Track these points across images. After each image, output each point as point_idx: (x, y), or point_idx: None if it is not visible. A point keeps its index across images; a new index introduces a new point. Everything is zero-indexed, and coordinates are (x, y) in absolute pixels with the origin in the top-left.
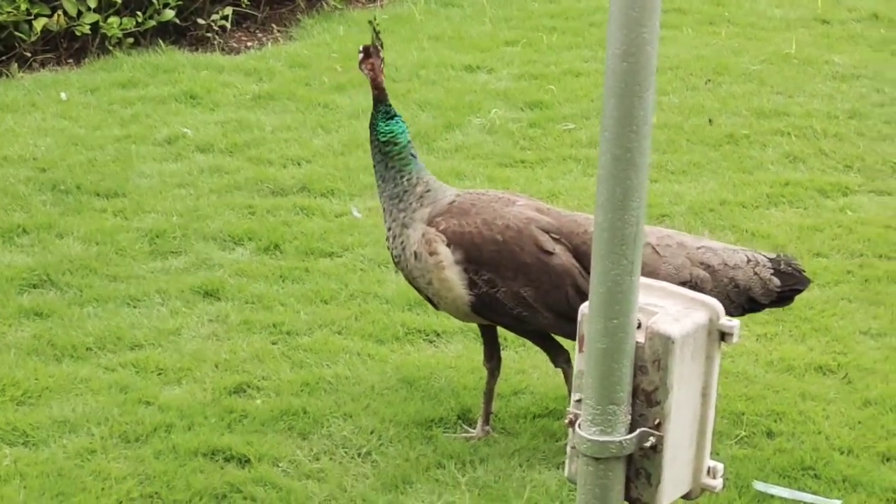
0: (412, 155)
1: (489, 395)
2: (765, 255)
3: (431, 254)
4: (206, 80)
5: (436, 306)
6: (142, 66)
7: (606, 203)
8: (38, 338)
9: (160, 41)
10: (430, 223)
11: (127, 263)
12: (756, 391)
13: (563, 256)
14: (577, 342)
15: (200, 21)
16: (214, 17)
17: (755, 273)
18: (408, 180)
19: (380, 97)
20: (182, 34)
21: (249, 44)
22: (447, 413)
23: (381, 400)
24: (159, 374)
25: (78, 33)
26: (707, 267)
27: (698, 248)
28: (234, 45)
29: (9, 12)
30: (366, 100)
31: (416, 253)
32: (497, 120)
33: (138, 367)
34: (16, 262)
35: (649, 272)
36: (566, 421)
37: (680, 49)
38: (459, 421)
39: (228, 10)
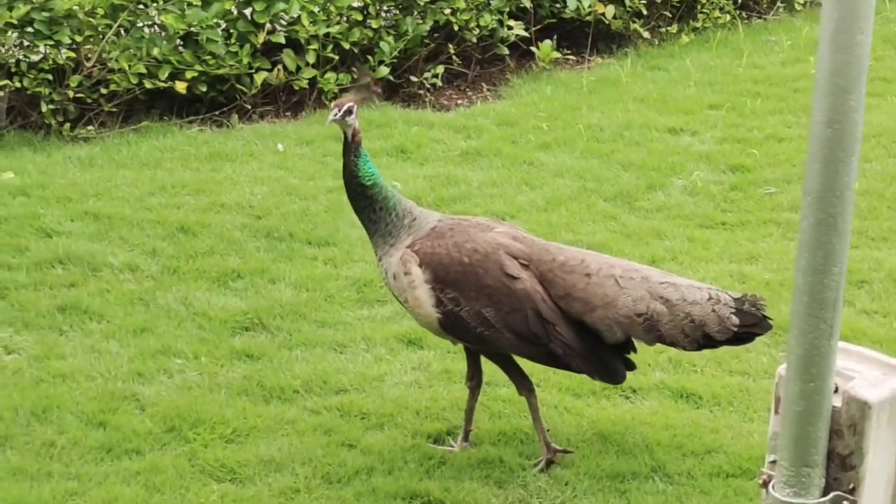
0: (390, 190)
1: (469, 413)
2: (730, 295)
3: (406, 273)
4: (417, 135)
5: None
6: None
7: (807, 266)
8: (249, 379)
9: (377, 96)
10: (409, 245)
11: (335, 310)
12: None
13: (527, 282)
14: (773, 403)
15: (413, 78)
16: (427, 74)
17: (713, 310)
18: (396, 216)
19: (357, 145)
20: (395, 91)
21: (459, 101)
22: (641, 468)
23: (576, 453)
24: (362, 418)
25: (296, 87)
26: (665, 301)
27: (661, 282)
28: (445, 102)
29: (231, 65)
30: (570, 158)
31: (394, 274)
32: (699, 182)
33: (342, 411)
34: (230, 305)
35: (608, 303)
36: (759, 481)
37: (883, 117)
38: (653, 474)
39: (440, 69)
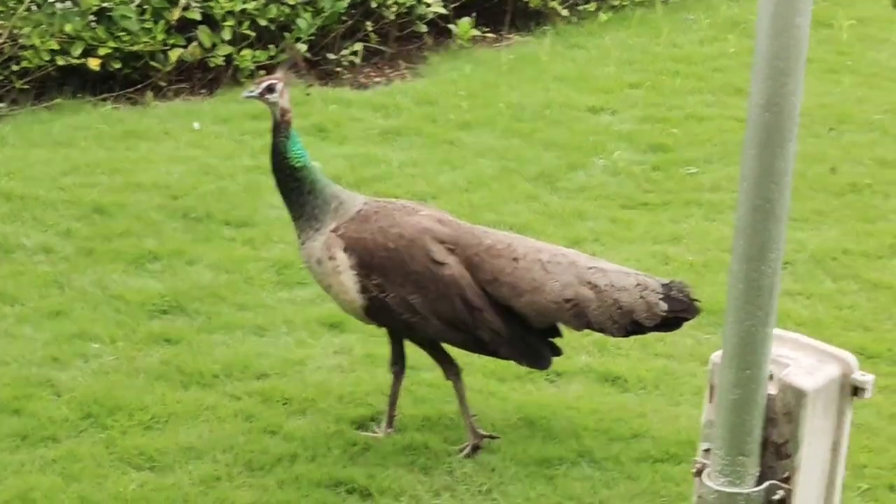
0: (317, 172)
1: (393, 398)
2: (657, 281)
3: (330, 258)
4: (335, 113)
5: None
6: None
7: (743, 254)
8: (167, 363)
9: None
10: (333, 230)
11: (255, 292)
12: (879, 443)
13: (454, 267)
14: (707, 391)
15: (331, 56)
16: (344, 52)
17: (641, 297)
18: (323, 200)
19: (286, 125)
20: (313, 68)
21: (378, 79)
22: (568, 453)
23: (502, 438)
24: (284, 403)
25: (212, 64)
26: (593, 287)
27: (589, 268)
28: (363, 80)
29: (145, 42)
30: (491, 138)
31: (318, 259)
32: (620, 162)
33: (264, 396)
34: (147, 287)
35: (535, 287)
36: (693, 470)
37: (804, 97)
38: (580, 459)
39: (358, 46)
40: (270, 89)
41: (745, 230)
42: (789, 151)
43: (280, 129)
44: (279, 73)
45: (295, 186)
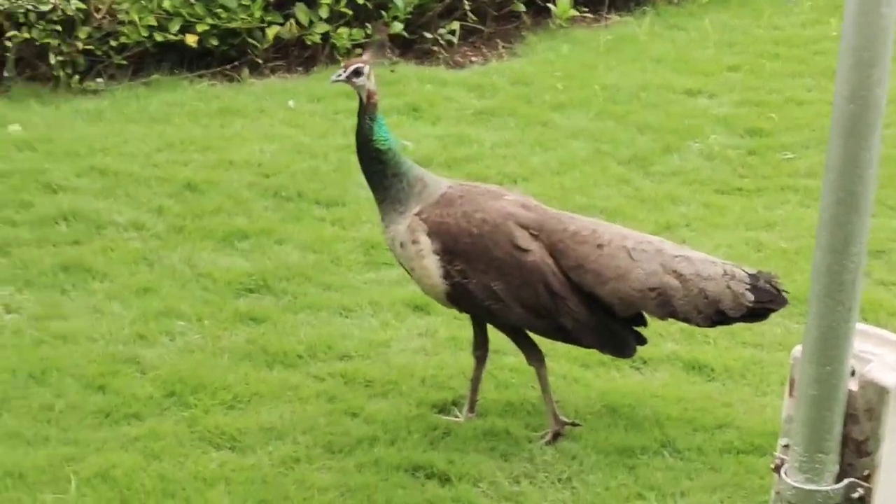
0: (402, 155)
1: (475, 382)
2: (745, 271)
3: (413, 242)
4: (430, 93)
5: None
6: None
7: (826, 246)
8: (252, 343)
9: (389, 53)
10: (417, 213)
11: (341, 273)
12: None
13: (537, 254)
14: (787, 386)
15: (427, 35)
16: (441, 31)
17: (728, 286)
18: (407, 183)
19: (372, 108)
20: (409, 47)
21: (474, 59)
22: (650, 442)
23: (584, 425)
24: (367, 385)
25: (308, 42)
26: (678, 275)
27: (675, 256)
28: (459, 59)
29: (243, 19)
30: (585, 120)
31: (402, 242)
32: (716, 146)
33: (346, 378)
34: (235, 265)
35: (619, 275)
36: (772, 466)
37: None
38: (662, 449)
39: (455, 25)
40: (357, 73)
41: (828, 223)
42: (874, 144)
43: (366, 111)
44: (366, 56)
45: (379, 169)
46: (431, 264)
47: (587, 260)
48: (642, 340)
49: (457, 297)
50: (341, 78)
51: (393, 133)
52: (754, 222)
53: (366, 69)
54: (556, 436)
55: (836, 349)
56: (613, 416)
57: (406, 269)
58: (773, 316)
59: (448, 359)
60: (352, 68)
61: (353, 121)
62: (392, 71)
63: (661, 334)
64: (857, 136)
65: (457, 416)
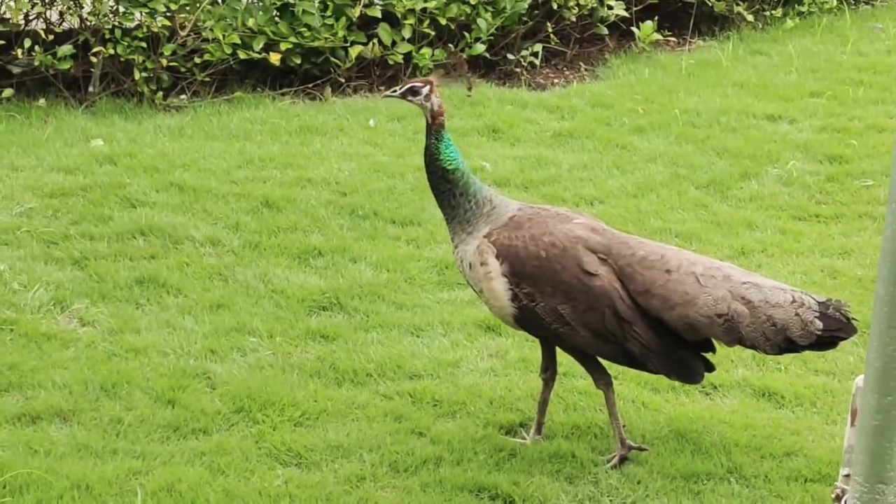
0: (471, 175)
1: (543, 405)
2: (814, 298)
3: (482, 264)
4: (510, 114)
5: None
6: (448, 98)
7: (888, 276)
8: (322, 360)
9: (470, 77)
10: (486, 235)
11: (414, 292)
12: None
13: (605, 278)
14: (849, 416)
15: (510, 56)
16: (524, 52)
17: (796, 314)
18: (476, 203)
19: (438, 127)
20: (492, 68)
21: (556, 80)
22: (716, 469)
23: (651, 450)
24: (434, 405)
25: (391, 62)
26: (747, 302)
27: (743, 282)
28: (541, 81)
29: (326, 38)
30: (664, 143)
31: (470, 263)
32: (794, 172)
33: (415, 397)
34: (308, 283)
35: (687, 301)
36: (832, 496)
37: None
38: (729, 475)
39: (538, 47)
40: (413, 91)
41: (891, 252)
42: None
43: (431, 130)
44: (432, 76)
45: (447, 189)
46: (499, 286)
47: (654, 285)
48: (710, 367)
49: (524, 319)
50: (395, 95)
51: (461, 153)
52: (830, 249)
53: (424, 89)
54: (623, 460)
55: None
56: (680, 441)
57: (474, 290)
58: (846, 344)
59: (517, 380)
60: (407, 86)
61: None
62: (469, 95)
63: (733, 360)
64: None
65: (524, 438)
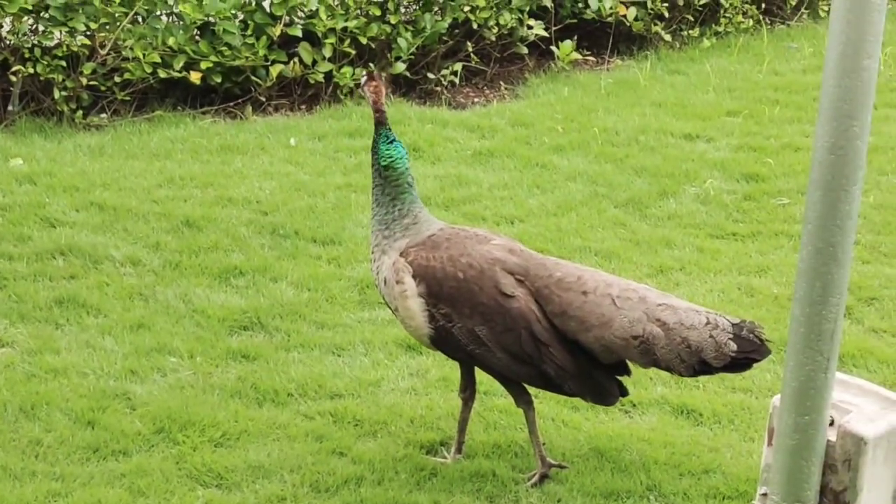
0: (409, 183)
1: (463, 424)
2: (728, 320)
3: (398, 282)
4: (430, 133)
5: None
6: (369, 117)
7: (804, 297)
8: (243, 380)
9: (390, 94)
10: (402, 253)
11: (336, 311)
12: None
13: (522, 300)
14: (766, 435)
15: (430, 75)
16: (444, 72)
17: (711, 336)
18: (399, 210)
19: (381, 120)
20: (412, 87)
21: (476, 99)
22: (636, 486)
23: (571, 468)
24: (356, 425)
25: (312, 81)
26: (662, 324)
27: (659, 304)
28: (462, 100)
29: (247, 57)
30: (583, 162)
31: (385, 279)
32: (712, 190)
33: (336, 417)
34: (229, 302)
35: (603, 323)
36: None
37: None
38: (648, 493)
39: (458, 66)
40: (358, 84)
41: (806, 273)
42: (854, 195)
43: (377, 125)
44: (375, 71)
45: (379, 183)
46: (415, 306)
47: (571, 306)
48: (624, 392)
49: (440, 340)
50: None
51: (407, 157)
52: (747, 267)
53: (363, 79)
54: (543, 478)
55: (814, 399)
56: (600, 459)
57: (390, 308)
58: (763, 362)
59: (438, 399)
60: (363, 75)
61: (354, 159)
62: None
63: (651, 378)
64: (837, 188)
65: (444, 458)
